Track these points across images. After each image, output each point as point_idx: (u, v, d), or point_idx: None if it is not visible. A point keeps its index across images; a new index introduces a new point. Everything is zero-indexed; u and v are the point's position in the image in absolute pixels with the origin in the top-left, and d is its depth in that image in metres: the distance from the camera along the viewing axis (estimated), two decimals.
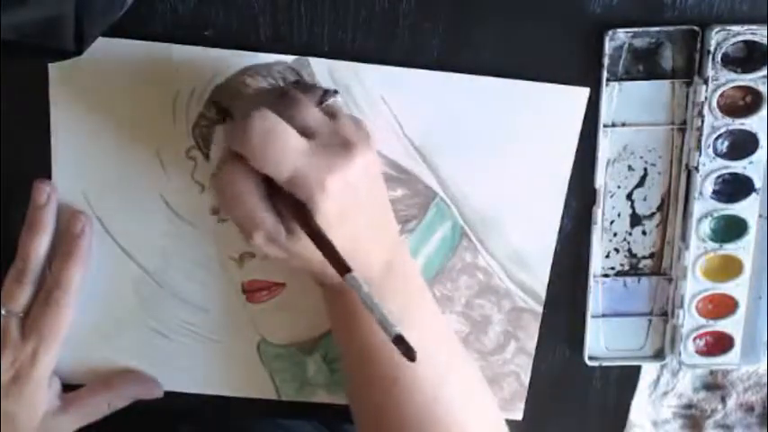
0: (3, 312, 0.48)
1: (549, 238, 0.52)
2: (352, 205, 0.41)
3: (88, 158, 0.49)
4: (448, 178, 0.50)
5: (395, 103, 0.48)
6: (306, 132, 0.41)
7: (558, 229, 0.52)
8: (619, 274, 0.54)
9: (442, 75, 0.48)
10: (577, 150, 0.50)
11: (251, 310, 0.53)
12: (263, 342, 0.54)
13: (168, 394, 0.54)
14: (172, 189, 0.50)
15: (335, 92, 0.45)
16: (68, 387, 0.52)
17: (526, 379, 0.56)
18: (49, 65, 0.47)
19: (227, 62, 0.47)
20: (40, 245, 0.49)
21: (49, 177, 0.49)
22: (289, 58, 0.47)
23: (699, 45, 0.48)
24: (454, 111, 0.49)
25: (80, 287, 0.49)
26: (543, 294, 0.54)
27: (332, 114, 0.43)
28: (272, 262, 0.51)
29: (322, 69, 0.48)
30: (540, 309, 0.54)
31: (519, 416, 0.57)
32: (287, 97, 0.42)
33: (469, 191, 0.51)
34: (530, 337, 0.55)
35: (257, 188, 0.41)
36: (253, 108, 0.40)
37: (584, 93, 0.49)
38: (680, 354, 0.54)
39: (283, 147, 0.39)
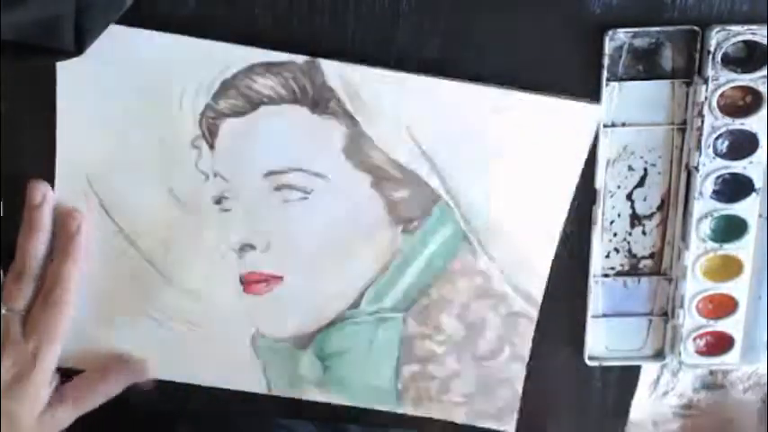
0: (3, 311, 0.48)
1: (549, 246, 0.52)
2: None
3: (93, 144, 0.49)
4: (453, 183, 0.50)
5: (404, 108, 0.49)
6: None
7: (559, 237, 0.52)
8: (619, 274, 0.54)
9: (454, 83, 0.48)
10: None
11: (248, 302, 0.53)
12: (257, 334, 0.54)
13: (168, 394, 0.54)
14: (175, 177, 0.50)
15: None
16: (63, 371, 0.52)
17: (519, 388, 0.56)
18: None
19: (236, 57, 0.47)
20: (37, 244, 0.49)
21: (53, 162, 0.49)
22: (299, 59, 0.47)
23: (699, 45, 0.48)
24: (464, 119, 0.49)
25: (79, 283, 0.49)
26: (540, 300, 0.54)
27: None
28: (271, 255, 0.52)
29: (332, 72, 0.48)
30: (535, 314, 0.54)
31: (512, 428, 0.57)
32: None
33: (474, 196, 0.51)
34: (524, 343, 0.55)
35: None
36: None
37: (595, 109, 0.49)
38: (680, 354, 0.54)
39: None
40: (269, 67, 0.47)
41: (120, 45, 0.47)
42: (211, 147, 0.49)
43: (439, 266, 0.53)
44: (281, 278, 0.52)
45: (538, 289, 0.53)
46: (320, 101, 0.48)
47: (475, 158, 0.50)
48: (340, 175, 0.50)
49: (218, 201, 0.51)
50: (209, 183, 0.50)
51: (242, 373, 0.55)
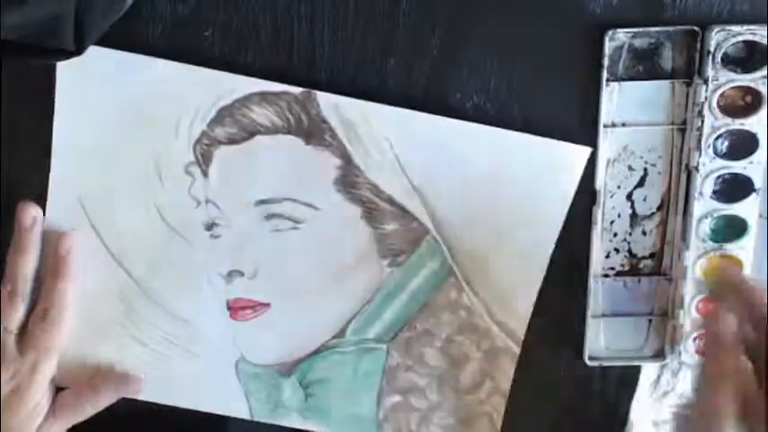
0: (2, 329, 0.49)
1: (534, 284, 0.53)
2: None
3: (86, 165, 0.49)
4: (443, 218, 0.51)
5: (397, 143, 0.49)
6: None
7: (543, 275, 0.53)
8: (619, 274, 0.54)
9: (447, 120, 0.49)
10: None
11: (233, 328, 0.53)
12: (241, 360, 0.54)
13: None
14: (167, 201, 0.50)
15: None
16: None
17: (499, 422, 0.56)
18: (57, 73, 0.47)
19: (234, 86, 0.48)
20: (27, 266, 0.49)
21: (47, 179, 0.49)
22: (296, 90, 0.48)
23: (699, 45, 0.48)
24: (455, 156, 0.50)
25: (73, 299, 0.50)
26: (522, 335, 0.54)
27: None
28: (258, 282, 0.52)
29: (328, 105, 0.48)
30: (518, 350, 0.54)
31: None
32: None
33: (462, 232, 0.51)
34: (505, 378, 0.55)
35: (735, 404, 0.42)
36: None
37: (584, 152, 0.50)
38: (680, 354, 0.55)
39: None
40: (265, 96, 0.48)
41: (119, 70, 0.47)
42: (205, 174, 0.50)
43: (424, 300, 0.53)
44: (267, 305, 0.53)
45: (521, 325, 0.53)
46: (315, 132, 0.49)
47: (464, 195, 0.50)
48: (331, 207, 0.50)
49: (209, 227, 0.51)
50: (200, 209, 0.50)
51: (225, 398, 0.55)
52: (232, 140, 0.49)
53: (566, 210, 0.51)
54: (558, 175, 0.51)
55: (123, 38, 0.46)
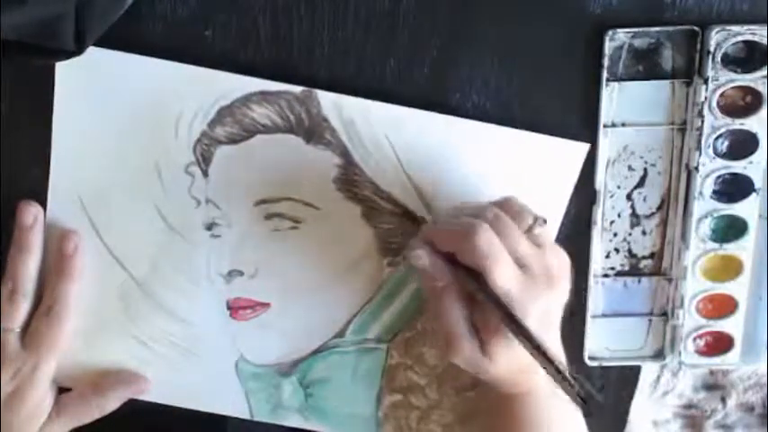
0: (1, 329, 0.49)
1: None
2: (543, 328, 0.44)
3: (87, 165, 0.49)
4: (442, 216, 0.51)
5: (397, 141, 0.49)
6: (518, 261, 0.43)
7: None
8: (619, 274, 0.54)
9: (446, 118, 0.49)
10: None
11: (233, 327, 0.53)
12: (241, 360, 0.54)
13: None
14: (167, 201, 0.50)
15: (544, 221, 0.46)
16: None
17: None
18: (57, 72, 0.47)
19: (234, 86, 0.48)
20: (28, 265, 0.49)
21: (47, 179, 0.49)
22: (296, 89, 0.48)
23: (699, 45, 0.48)
24: (454, 154, 0.50)
25: (76, 299, 0.50)
26: None
27: (539, 244, 0.45)
28: (258, 282, 0.52)
29: (329, 104, 0.48)
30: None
31: None
32: (500, 223, 0.44)
33: None
34: None
35: (464, 315, 0.44)
36: (472, 222, 0.43)
37: (583, 148, 0.50)
38: (680, 354, 0.55)
39: (500, 272, 0.42)
40: (265, 95, 0.48)
41: (119, 70, 0.47)
42: (205, 173, 0.50)
43: (424, 299, 0.53)
44: (267, 305, 0.53)
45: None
46: (315, 131, 0.49)
47: (464, 192, 0.50)
48: (331, 206, 0.50)
49: (209, 227, 0.51)
50: (200, 209, 0.50)
51: (225, 398, 0.55)
52: (232, 140, 0.49)
53: (564, 206, 0.51)
54: (557, 171, 0.51)
55: (123, 38, 0.46)
